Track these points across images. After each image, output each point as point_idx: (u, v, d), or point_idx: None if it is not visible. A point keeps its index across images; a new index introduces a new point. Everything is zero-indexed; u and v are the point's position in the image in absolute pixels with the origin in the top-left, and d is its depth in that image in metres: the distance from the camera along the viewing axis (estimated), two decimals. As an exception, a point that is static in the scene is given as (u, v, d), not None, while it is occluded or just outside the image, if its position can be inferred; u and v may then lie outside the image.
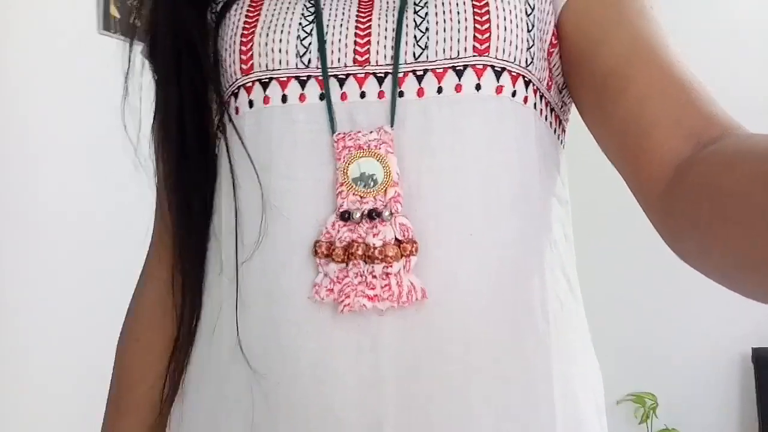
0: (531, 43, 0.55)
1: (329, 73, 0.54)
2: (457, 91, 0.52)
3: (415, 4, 0.54)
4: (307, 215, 0.52)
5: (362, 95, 0.53)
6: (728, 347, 1.96)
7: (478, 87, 0.53)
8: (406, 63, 0.53)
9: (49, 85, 1.42)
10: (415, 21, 0.54)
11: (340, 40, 0.54)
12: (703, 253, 0.41)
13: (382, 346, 0.50)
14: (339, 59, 0.54)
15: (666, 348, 1.97)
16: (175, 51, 0.59)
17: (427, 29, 0.53)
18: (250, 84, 0.55)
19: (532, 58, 0.55)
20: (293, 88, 0.54)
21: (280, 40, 0.55)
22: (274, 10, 0.56)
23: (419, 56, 0.53)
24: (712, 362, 1.97)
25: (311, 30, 0.55)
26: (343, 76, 0.54)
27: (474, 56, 0.53)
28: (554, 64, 0.57)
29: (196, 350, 0.58)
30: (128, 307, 0.67)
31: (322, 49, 0.54)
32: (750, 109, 0.49)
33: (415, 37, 0.53)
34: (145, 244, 0.68)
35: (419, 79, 0.53)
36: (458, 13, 0.53)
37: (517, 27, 0.54)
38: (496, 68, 0.53)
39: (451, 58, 0.53)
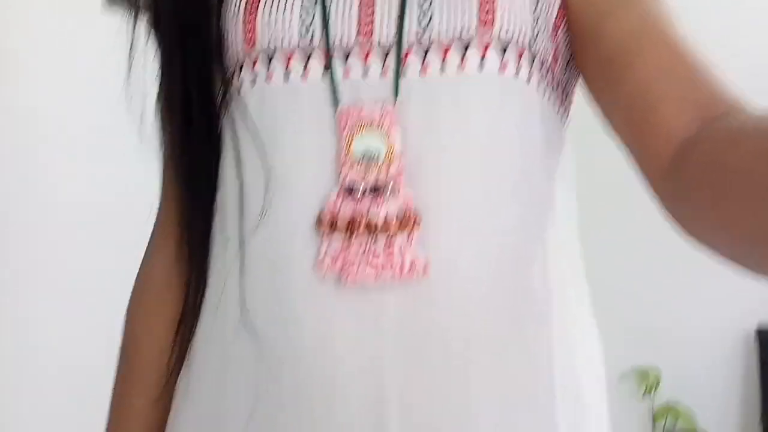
0: (537, 18, 0.54)
1: (333, 49, 0.54)
2: (462, 68, 0.52)
3: None
4: (311, 189, 0.52)
5: (366, 71, 0.53)
6: (733, 325, 1.96)
7: (482, 63, 0.52)
8: (410, 38, 0.53)
9: (52, 67, 1.41)
10: None
11: (343, 14, 0.54)
12: (708, 229, 0.42)
13: (384, 320, 0.50)
14: (343, 34, 0.54)
15: (671, 323, 1.98)
16: (177, 27, 0.59)
17: (431, 4, 0.53)
18: (253, 60, 0.55)
19: (538, 33, 0.54)
20: (297, 63, 0.54)
21: (284, 17, 0.55)
22: None
23: (423, 31, 0.53)
24: (717, 339, 1.98)
25: (315, 5, 0.55)
26: (347, 52, 0.54)
27: (479, 31, 0.52)
28: (561, 39, 0.57)
29: (202, 322, 0.59)
30: (135, 281, 0.68)
31: (325, 25, 0.54)
32: (754, 89, 0.49)
33: (419, 11, 0.53)
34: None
35: (423, 54, 0.52)
36: None
37: (522, 1, 0.53)
38: (501, 43, 0.53)
39: (455, 33, 0.52)
